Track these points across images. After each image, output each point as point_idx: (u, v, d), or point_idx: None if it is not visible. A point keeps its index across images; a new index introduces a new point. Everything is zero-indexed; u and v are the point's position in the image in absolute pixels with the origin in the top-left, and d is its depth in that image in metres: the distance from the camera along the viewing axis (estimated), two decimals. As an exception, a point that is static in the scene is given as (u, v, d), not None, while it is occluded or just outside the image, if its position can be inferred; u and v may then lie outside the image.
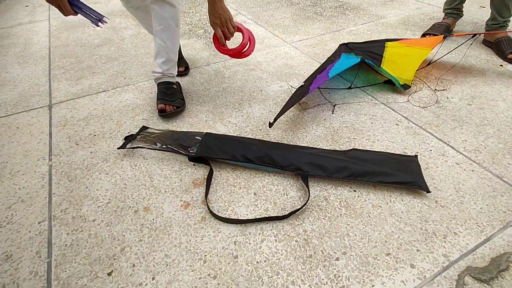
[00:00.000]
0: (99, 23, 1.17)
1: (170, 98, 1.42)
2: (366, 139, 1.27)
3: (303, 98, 1.47)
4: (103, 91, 1.63)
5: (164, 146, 1.20)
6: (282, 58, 1.86)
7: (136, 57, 1.94)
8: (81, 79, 1.74)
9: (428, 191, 1.02)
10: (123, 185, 1.11)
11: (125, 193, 1.08)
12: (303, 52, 1.91)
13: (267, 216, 0.98)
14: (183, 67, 1.72)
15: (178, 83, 1.53)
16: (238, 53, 1.37)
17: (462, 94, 1.50)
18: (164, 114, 1.39)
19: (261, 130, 1.34)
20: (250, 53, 1.39)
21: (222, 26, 1.29)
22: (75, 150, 1.27)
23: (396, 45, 1.67)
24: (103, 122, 1.42)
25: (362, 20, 2.31)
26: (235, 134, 1.32)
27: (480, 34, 1.72)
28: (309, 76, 1.52)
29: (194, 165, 1.18)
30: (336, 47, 1.76)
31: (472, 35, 1.67)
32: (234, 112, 1.45)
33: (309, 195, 1.02)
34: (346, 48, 1.68)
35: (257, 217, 0.98)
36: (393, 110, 1.41)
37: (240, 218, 0.98)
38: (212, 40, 1.40)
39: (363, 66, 1.70)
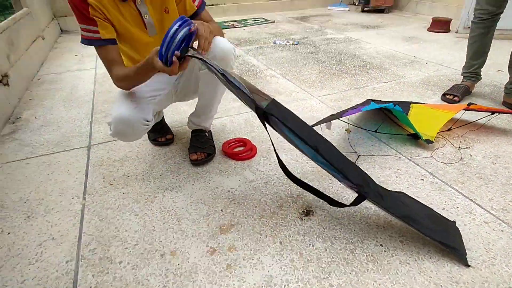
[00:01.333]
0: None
1: (202, 146, 1.45)
2: (391, 193, 1.23)
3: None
4: (138, 134, 1.68)
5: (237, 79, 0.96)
6: (309, 111, 1.90)
7: (173, 105, 2.01)
8: (119, 123, 1.81)
9: (468, 265, 0.94)
10: (151, 227, 1.10)
11: (153, 236, 1.06)
12: (328, 106, 1.94)
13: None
14: (171, 135, 1.63)
15: (210, 131, 1.56)
16: (235, 155, 1.48)
17: (485, 152, 1.46)
18: (195, 162, 1.41)
19: (287, 178, 1.32)
20: (249, 158, 1.48)
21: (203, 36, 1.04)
22: (108, 190, 1.29)
23: (421, 107, 1.70)
24: (137, 164, 1.45)
25: (384, 79, 2.35)
26: (262, 182, 1.31)
27: (499, 112, 1.67)
28: (340, 111, 1.62)
29: (221, 210, 1.16)
30: (360, 102, 1.81)
31: (491, 112, 1.64)
32: (262, 160, 1.46)
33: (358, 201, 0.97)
34: (373, 102, 1.73)
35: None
36: (417, 165, 1.38)
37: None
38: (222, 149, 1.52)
39: (386, 120, 1.72)
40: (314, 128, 0.99)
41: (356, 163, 1.41)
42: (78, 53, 3.27)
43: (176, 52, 0.92)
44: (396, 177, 1.32)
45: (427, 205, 1.12)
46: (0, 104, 1.90)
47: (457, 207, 1.15)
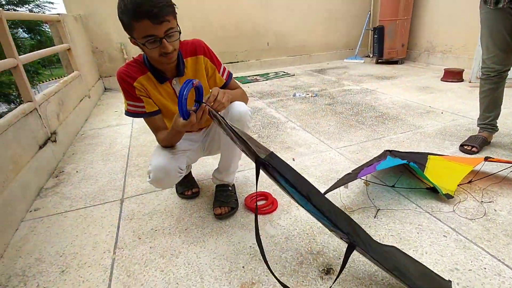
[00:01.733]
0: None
1: (225, 200, 1.45)
2: (413, 250, 1.16)
3: (347, 201, 1.47)
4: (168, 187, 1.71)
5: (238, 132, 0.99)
6: (328, 163, 1.88)
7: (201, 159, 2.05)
8: (150, 176, 1.86)
9: None
10: (175, 284, 1.08)
11: (177, 293, 1.04)
12: (347, 158, 1.92)
13: None
14: (197, 188, 1.65)
15: (233, 185, 1.57)
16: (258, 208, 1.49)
17: (511, 207, 1.37)
18: (219, 216, 1.42)
19: (308, 234, 1.29)
20: (270, 212, 1.46)
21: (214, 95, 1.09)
22: (137, 245, 1.29)
23: (439, 159, 1.65)
24: (164, 217, 1.46)
25: (401, 129, 2.32)
26: (283, 238, 1.28)
27: None
28: (356, 168, 1.58)
29: (243, 267, 1.13)
30: (378, 154, 1.78)
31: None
32: (283, 214, 1.43)
33: (342, 267, 0.92)
34: (390, 154, 1.70)
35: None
36: (439, 220, 1.31)
37: None
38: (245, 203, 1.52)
39: (405, 172, 1.67)
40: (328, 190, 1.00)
41: (375, 217, 1.36)
42: (117, 109, 3.48)
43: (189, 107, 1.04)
44: (418, 233, 1.25)
45: (442, 266, 1.04)
46: (47, 160, 2.01)
47: (485, 268, 1.06)
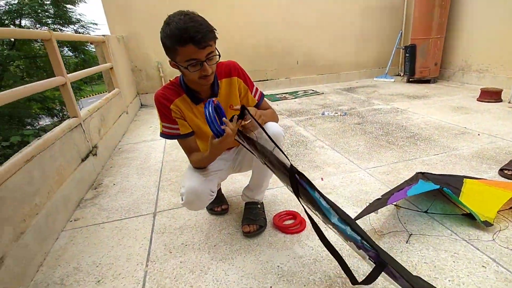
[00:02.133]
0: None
1: (254, 217, 1.45)
2: (449, 280, 1.09)
3: (377, 224, 1.42)
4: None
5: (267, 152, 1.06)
6: (357, 183, 1.84)
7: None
8: (181, 191, 1.91)
9: None
10: (204, 301, 1.08)
11: (205, 311, 1.04)
12: (377, 179, 1.87)
13: None
14: (226, 205, 1.68)
15: (262, 203, 1.57)
16: (285, 228, 1.46)
17: (558, 237, 1.26)
18: (247, 234, 1.41)
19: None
20: (299, 232, 1.44)
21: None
22: (168, 258, 1.32)
23: (475, 183, 1.56)
24: (194, 233, 1.48)
25: (434, 151, 2.23)
26: (311, 259, 1.25)
27: None
28: (386, 192, 1.54)
29: (271, 287, 1.12)
30: (409, 176, 1.72)
31: None
32: (312, 234, 1.41)
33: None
34: (422, 176, 1.63)
35: None
36: (477, 249, 1.23)
37: None
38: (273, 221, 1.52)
39: (439, 196, 1.59)
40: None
41: (407, 242, 1.30)
42: (152, 124, 3.62)
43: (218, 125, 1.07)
44: (454, 261, 1.18)
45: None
46: (88, 172, 2.12)
47: (529, 304, 0.98)
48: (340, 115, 3.39)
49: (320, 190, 0.98)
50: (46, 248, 1.45)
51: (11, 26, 9.03)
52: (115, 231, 1.56)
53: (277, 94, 4.85)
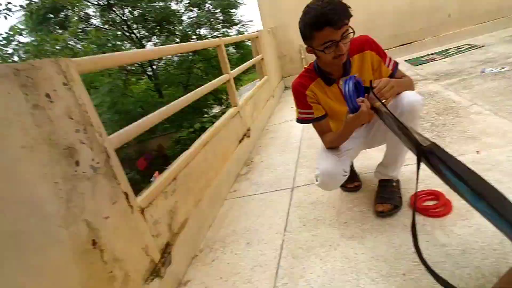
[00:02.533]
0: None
1: (389, 196, 1.36)
2: None
3: None
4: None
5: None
6: (531, 159, 1.41)
7: (363, 151, 1.97)
8: (317, 168, 1.96)
9: None
10: (332, 275, 1.12)
11: (332, 286, 1.08)
12: None
13: None
14: (359, 181, 1.63)
15: (397, 181, 1.45)
16: (425, 210, 1.28)
17: None
18: (380, 213, 1.34)
19: (495, 250, 1.02)
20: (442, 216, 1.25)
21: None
22: (301, 231, 1.41)
23: None
24: (326, 208, 1.52)
25: None
26: (458, 249, 1.07)
27: None
28: None
29: (403, 274, 1.04)
30: None
31: None
32: (460, 220, 1.19)
33: None
34: None
35: None
36: None
37: None
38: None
39: None
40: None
41: None
42: (293, 105, 3.75)
43: (357, 99, 1.06)
44: None
45: None
46: (243, 151, 2.46)
47: None
48: (509, 70, 2.59)
49: (473, 167, 0.78)
50: (215, 213, 1.80)
51: (193, 36, 11.33)
52: (261, 203, 1.77)
53: (422, 57, 4.13)
